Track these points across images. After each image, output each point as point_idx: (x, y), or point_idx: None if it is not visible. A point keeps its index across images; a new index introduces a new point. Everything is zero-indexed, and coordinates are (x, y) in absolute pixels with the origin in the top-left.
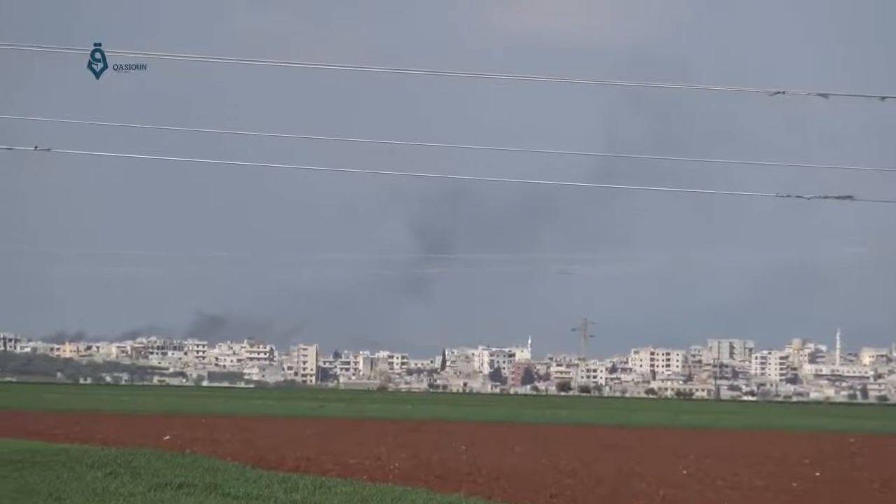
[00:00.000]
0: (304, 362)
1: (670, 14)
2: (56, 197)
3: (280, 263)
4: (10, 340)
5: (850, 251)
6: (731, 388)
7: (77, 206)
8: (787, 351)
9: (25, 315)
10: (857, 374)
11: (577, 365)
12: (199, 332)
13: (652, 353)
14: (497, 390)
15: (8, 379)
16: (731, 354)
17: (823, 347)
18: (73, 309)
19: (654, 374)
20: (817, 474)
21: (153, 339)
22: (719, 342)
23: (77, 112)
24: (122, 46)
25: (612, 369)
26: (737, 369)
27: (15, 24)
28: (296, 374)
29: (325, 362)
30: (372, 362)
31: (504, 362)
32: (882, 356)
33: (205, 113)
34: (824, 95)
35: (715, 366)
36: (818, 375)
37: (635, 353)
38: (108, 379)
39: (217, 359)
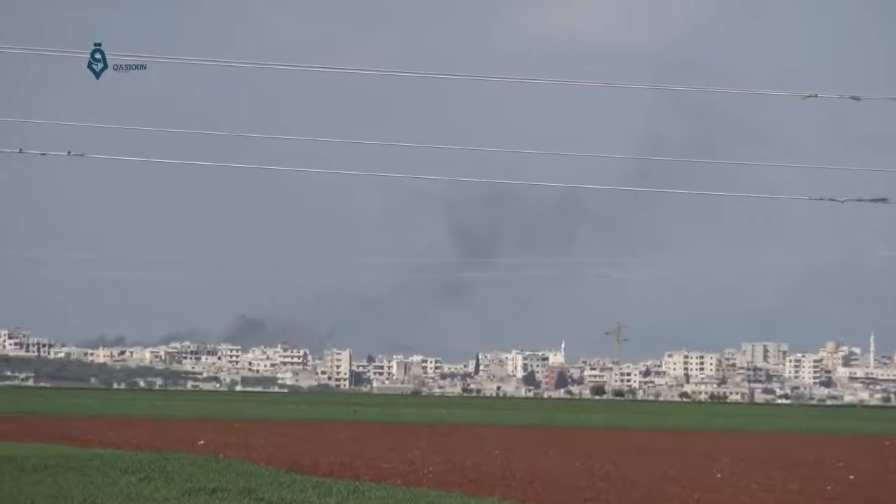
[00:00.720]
0: (338, 367)
1: (697, 17)
2: (92, 202)
3: (315, 267)
4: (45, 346)
5: (884, 254)
6: (765, 391)
7: (112, 210)
8: (821, 354)
9: (61, 320)
10: (891, 377)
11: (610, 369)
12: (238, 336)
13: (686, 357)
14: (531, 394)
15: (42, 384)
16: (765, 358)
17: (857, 350)
18: (111, 314)
19: (687, 377)
20: (851, 477)
21: (186, 343)
22: (753, 345)
23: (96, 115)
24: (132, 48)
25: (646, 373)
26: (770, 372)
27: (14, 26)
28: (329, 378)
29: (358, 367)
30: (405, 366)
31: (538, 366)
32: None
33: (236, 118)
34: (856, 98)
35: (749, 369)
36: (852, 378)
37: (669, 356)
38: (142, 384)
39: (250, 363)
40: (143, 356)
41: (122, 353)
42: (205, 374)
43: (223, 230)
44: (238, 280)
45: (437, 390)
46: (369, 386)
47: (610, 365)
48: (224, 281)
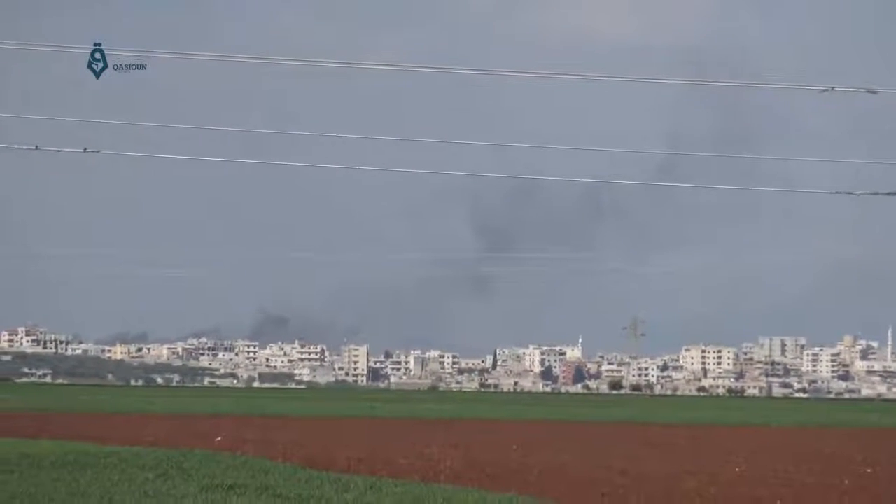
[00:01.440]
0: (356, 363)
1: (714, 13)
2: (114, 199)
3: (339, 264)
4: (62, 342)
5: None
6: (783, 385)
7: (133, 208)
8: (839, 348)
9: (80, 317)
10: None
11: (628, 363)
12: (262, 333)
13: (703, 351)
14: (548, 389)
15: (59, 381)
16: (783, 352)
17: (875, 344)
18: (135, 310)
19: (705, 371)
20: (869, 471)
21: (203, 340)
22: (771, 340)
23: (102, 113)
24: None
25: (664, 367)
26: (788, 367)
27: (14, 25)
28: (347, 374)
29: (375, 362)
30: (423, 362)
31: (555, 361)
32: None
33: (259, 114)
34: (873, 91)
35: (766, 363)
36: (870, 372)
37: (686, 351)
38: (160, 380)
39: (268, 360)
40: (160, 352)
41: (140, 349)
42: (222, 371)
43: (246, 228)
44: (262, 277)
45: (454, 386)
46: (387, 382)
47: (627, 360)
48: (248, 278)
